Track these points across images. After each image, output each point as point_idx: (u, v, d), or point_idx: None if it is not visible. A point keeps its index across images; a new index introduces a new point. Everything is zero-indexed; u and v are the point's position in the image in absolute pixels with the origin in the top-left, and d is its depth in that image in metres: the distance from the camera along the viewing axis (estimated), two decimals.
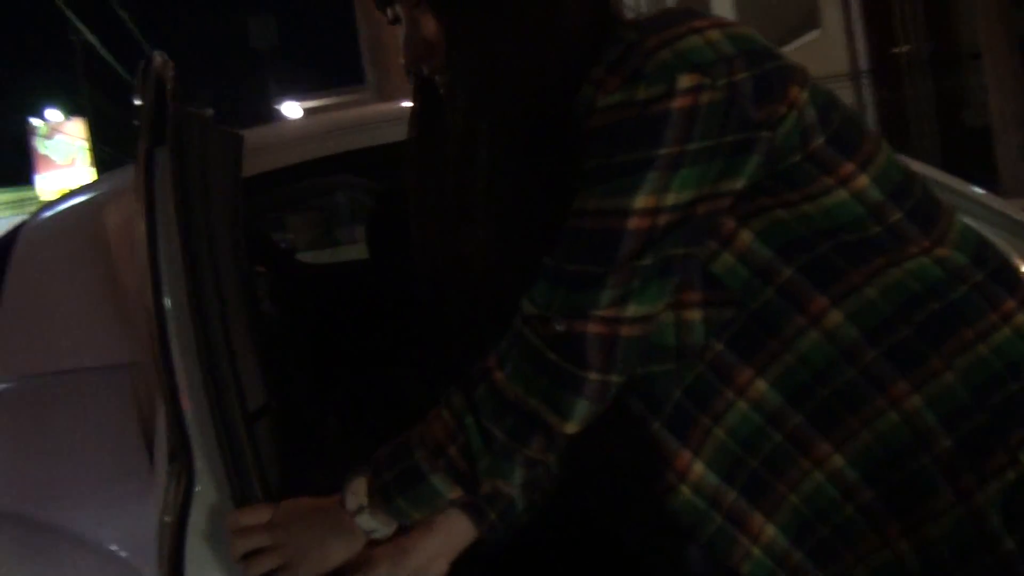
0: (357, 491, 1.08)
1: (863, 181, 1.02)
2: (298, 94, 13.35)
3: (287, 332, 1.78)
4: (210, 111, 1.59)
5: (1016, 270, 1.06)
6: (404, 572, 1.12)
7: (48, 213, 2.06)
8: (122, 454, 1.66)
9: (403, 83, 5.59)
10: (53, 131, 33.49)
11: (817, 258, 0.99)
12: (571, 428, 1.00)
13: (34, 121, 34.11)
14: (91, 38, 30.40)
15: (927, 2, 8.43)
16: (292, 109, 11.43)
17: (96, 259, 1.85)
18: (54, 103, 34.89)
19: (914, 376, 0.97)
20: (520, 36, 1.04)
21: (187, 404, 1.12)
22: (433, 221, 1.15)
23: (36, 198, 29.16)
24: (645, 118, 0.96)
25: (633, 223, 0.96)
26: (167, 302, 1.19)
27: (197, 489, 1.11)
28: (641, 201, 0.96)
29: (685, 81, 0.95)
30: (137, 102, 1.24)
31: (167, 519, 1.15)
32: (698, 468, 1.05)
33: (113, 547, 1.65)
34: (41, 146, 33.80)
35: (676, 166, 0.96)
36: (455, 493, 1.05)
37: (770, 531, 1.04)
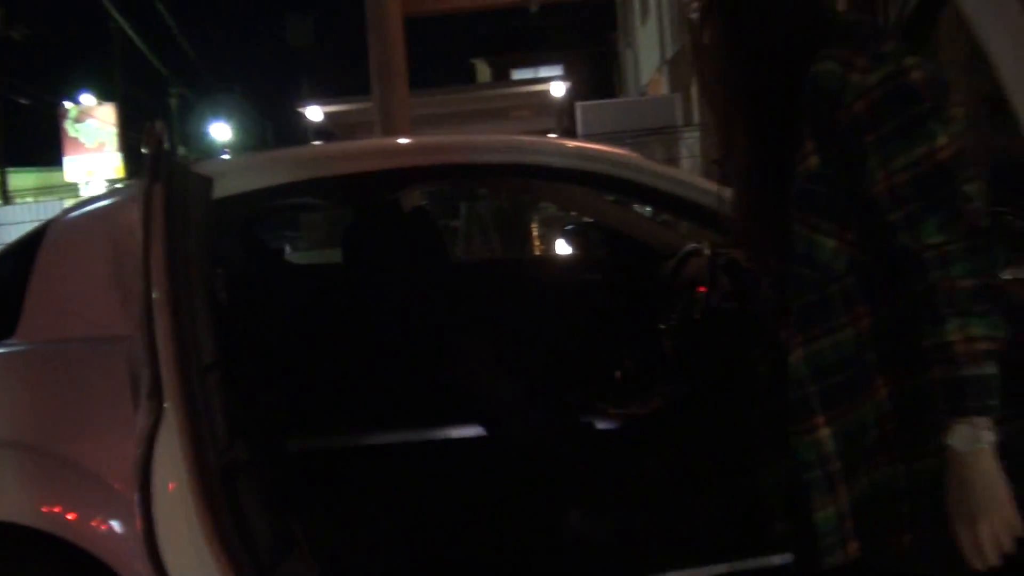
0: (960, 438, 1.35)
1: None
2: (328, 96, 13.94)
3: (236, 315, 2.28)
4: (186, 155, 2.06)
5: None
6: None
7: (72, 214, 2.59)
8: (118, 405, 2.17)
9: (404, 99, 6.05)
10: (84, 115, 33.83)
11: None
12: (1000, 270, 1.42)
13: (67, 104, 34.52)
14: (127, 28, 31.14)
15: None
16: (314, 112, 11.99)
17: (107, 255, 2.37)
18: (88, 88, 35.45)
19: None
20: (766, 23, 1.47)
21: (162, 357, 1.62)
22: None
23: (61, 183, 29.65)
24: (905, 86, 1.37)
25: (945, 153, 1.36)
26: (154, 292, 1.69)
27: (165, 416, 1.61)
28: (939, 139, 1.36)
29: (910, 63, 1.39)
30: (144, 150, 1.75)
31: (139, 449, 1.65)
32: (799, 353, 1.46)
33: (108, 478, 2.17)
34: (71, 129, 34.08)
35: (933, 115, 1.37)
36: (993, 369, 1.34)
37: (824, 432, 1.44)
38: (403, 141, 3.50)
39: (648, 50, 25.74)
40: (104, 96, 34.96)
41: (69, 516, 2.14)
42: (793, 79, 1.43)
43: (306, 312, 3.07)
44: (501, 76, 34.01)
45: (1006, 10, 1.73)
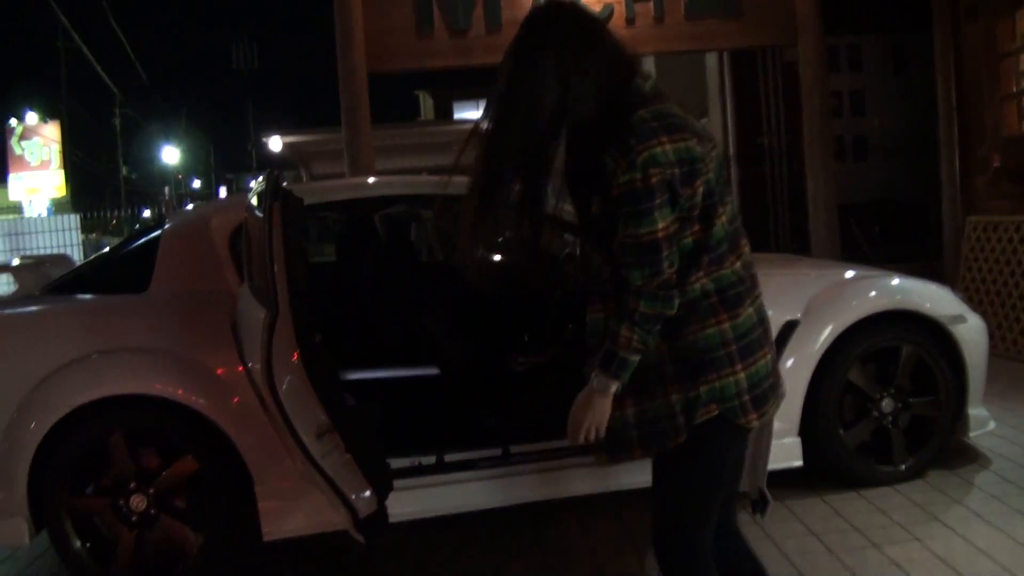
0: (599, 380, 2.11)
1: (723, 220, 2.12)
2: (279, 128, 15.38)
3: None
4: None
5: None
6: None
7: (180, 218, 4.10)
8: (212, 326, 3.64)
9: (369, 142, 7.51)
10: (30, 132, 33.68)
11: (713, 258, 2.12)
12: (671, 312, 2.07)
13: (13, 122, 34.55)
14: (83, 47, 31.80)
15: (786, 106, 10.68)
16: (275, 143, 13.39)
17: (206, 244, 3.85)
18: (31, 107, 35.74)
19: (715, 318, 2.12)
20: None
21: (279, 284, 3.02)
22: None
23: (4, 201, 29.48)
24: (642, 188, 2.01)
25: (660, 234, 2.02)
26: (275, 268, 3.10)
27: (280, 315, 3.01)
28: (659, 224, 2.02)
29: (652, 172, 2.00)
30: (260, 179, 3.23)
31: (263, 335, 3.05)
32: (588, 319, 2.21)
33: (213, 368, 3.62)
34: (17, 147, 33.94)
35: (659, 208, 2.02)
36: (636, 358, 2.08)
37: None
38: (379, 179, 5.00)
39: None
40: (48, 115, 35.26)
41: (183, 391, 3.59)
42: (590, 160, 2.13)
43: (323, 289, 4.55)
44: (444, 108, 35.34)
45: None
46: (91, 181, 44.64)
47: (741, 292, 2.15)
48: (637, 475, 3.87)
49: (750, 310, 2.17)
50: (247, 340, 3.31)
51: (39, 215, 24.92)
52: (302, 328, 3.06)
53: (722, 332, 2.12)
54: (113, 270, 4.16)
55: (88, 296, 4.00)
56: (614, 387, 2.11)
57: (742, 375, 2.13)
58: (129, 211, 34.87)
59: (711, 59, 12.28)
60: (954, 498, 4.03)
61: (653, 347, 2.09)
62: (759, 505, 2.71)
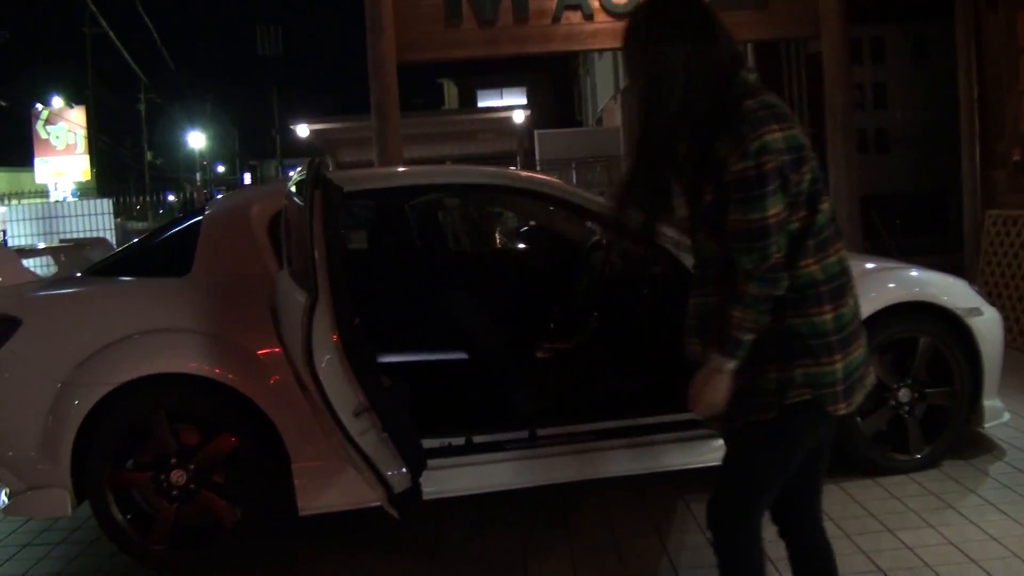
0: (716, 359, 2.20)
1: (826, 207, 2.23)
2: (304, 115, 15.65)
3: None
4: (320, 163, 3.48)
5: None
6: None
7: (221, 204, 4.24)
8: (249, 308, 3.79)
9: (396, 128, 7.65)
10: (55, 117, 33.94)
11: (818, 243, 2.22)
12: (779, 293, 2.18)
13: (39, 106, 34.80)
14: (111, 34, 32.11)
15: (809, 97, 10.73)
16: (302, 130, 13.58)
17: (246, 230, 3.99)
18: (57, 91, 36.04)
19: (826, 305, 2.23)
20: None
21: (318, 269, 3.15)
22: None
23: (31, 184, 29.72)
24: (755, 176, 2.11)
25: (770, 220, 2.12)
26: (316, 254, 3.22)
27: (319, 298, 3.15)
28: (770, 211, 2.12)
29: (766, 159, 2.09)
30: (301, 169, 3.36)
31: (304, 317, 3.18)
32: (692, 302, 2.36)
33: (252, 349, 3.77)
34: (42, 131, 34.18)
35: (771, 194, 2.11)
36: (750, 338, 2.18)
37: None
38: (414, 168, 5.13)
39: (604, 80, 27.27)
40: (74, 100, 35.56)
41: (222, 370, 3.74)
42: (704, 150, 2.23)
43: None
44: (467, 96, 35.47)
45: None
46: (116, 165, 45.09)
47: (844, 284, 2.27)
48: (659, 459, 4.02)
49: (851, 302, 2.29)
50: (286, 323, 3.44)
51: (64, 198, 25.22)
52: (341, 311, 3.19)
53: (824, 322, 2.22)
54: (155, 254, 4.31)
55: (131, 279, 4.16)
56: (731, 365, 2.21)
57: (839, 365, 2.24)
58: (154, 196, 35.23)
59: None
60: (968, 487, 4.13)
61: (765, 327, 2.19)
62: None
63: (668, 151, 2.29)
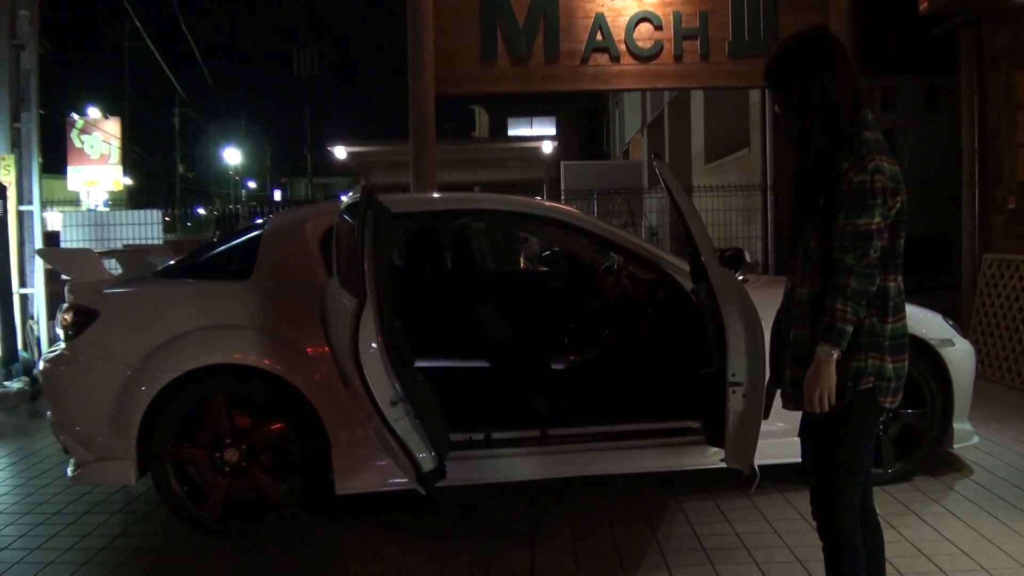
0: (823, 351, 2.56)
1: (903, 235, 2.65)
2: (336, 136, 16.33)
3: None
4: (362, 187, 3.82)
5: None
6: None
7: (279, 220, 4.81)
8: (301, 308, 4.33)
9: (433, 159, 8.22)
10: (90, 127, 34.52)
11: (893, 265, 2.65)
12: (873, 289, 2.59)
13: (74, 116, 35.50)
14: (151, 46, 32.94)
15: None
16: (340, 151, 14.20)
17: (302, 242, 4.54)
18: (93, 102, 36.83)
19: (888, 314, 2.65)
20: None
21: (367, 273, 3.66)
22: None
23: (62, 191, 30.34)
24: (870, 188, 2.53)
25: (875, 226, 2.54)
26: (365, 266, 3.75)
27: (366, 303, 3.67)
28: (875, 219, 2.54)
29: (878, 178, 2.53)
30: (353, 193, 3.91)
31: (352, 319, 3.70)
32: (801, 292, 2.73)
33: (303, 346, 4.31)
34: (76, 140, 34.76)
35: (879, 206, 2.53)
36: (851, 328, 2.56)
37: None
38: (453, 195, 5.67)
39: (632, 114, 27.92)
40: (109, 110, 36.34)
41: (274, 363, 4.28)
42: (826, 165, 2.62)
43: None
44: (498, 123, 36.09)
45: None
46: (147, 177, 45.92)
47: (900, 303, 2.68)
48: (655, 461, 4.52)
49: (903, 320, 2.71)
50: (334, 325, 3.97)
51: (95, 207, 25.84)
52: (384, 315, 3.72)
53: (884, 328, 2.64)
54: (218, 260, 4.88)
55: (198, 281, 4.72)
56: (836, 354, 2.58)
57: (890, 365, 2.65)
58: (183, 209, 35.92)
59: (754, 94, 12.87)
60: (932, 498, 4.60)
61: (863, 318, 2.60)
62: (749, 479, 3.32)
63: (824, 173, 2.63)
